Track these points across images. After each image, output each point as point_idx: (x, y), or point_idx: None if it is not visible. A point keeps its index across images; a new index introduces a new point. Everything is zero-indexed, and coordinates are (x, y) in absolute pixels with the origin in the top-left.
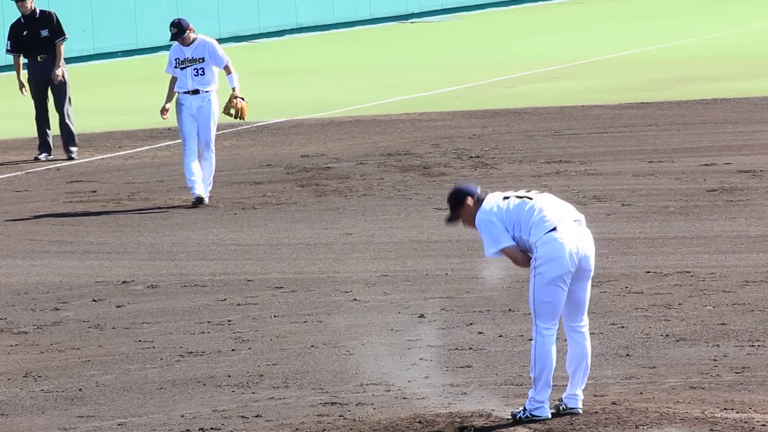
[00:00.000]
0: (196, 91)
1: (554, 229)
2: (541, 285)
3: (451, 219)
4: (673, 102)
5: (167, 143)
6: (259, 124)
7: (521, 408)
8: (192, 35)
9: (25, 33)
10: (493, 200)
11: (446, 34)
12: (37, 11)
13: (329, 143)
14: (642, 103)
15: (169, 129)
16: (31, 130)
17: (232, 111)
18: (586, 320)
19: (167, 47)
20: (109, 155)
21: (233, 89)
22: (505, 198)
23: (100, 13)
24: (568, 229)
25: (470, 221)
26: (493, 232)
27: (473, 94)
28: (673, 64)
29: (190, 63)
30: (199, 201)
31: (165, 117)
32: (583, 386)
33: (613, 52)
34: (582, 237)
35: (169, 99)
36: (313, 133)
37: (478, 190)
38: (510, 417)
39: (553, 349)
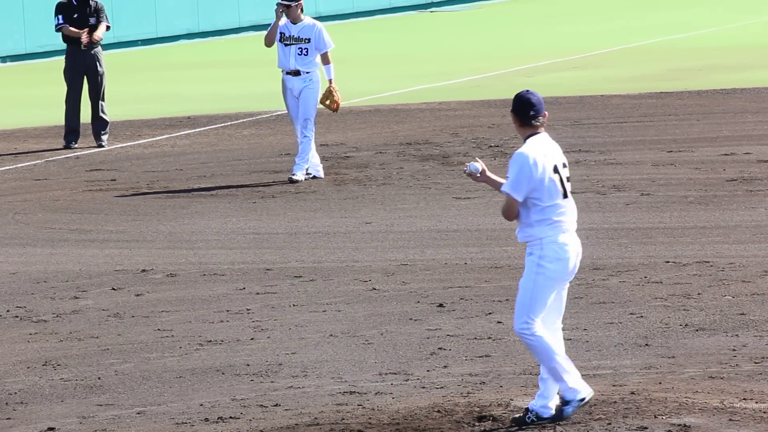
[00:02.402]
0: (297, 72)
1: (565, 232)
2: (542, 282)
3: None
4: (692, 92)
5: (187, 132)
6: (278, 113)
7: (560, 402)
8: (301, 14)
9: (75, 15)
10: (539, 150)
11: (466, 23)
12: None
13: (348, 132)
14: (661, 92)
15: (188, 117)
16: (51, 119)
17: (328, 102)
18: (560, 323)
19: (187, 36)
20: (129, 144)
21: (330, 80)
22: (550, 155)
23: (120, 1)
24: (573, 238)
25: (516, 129)
26: (521, 179)
27: (493, 83)
28: (693, 53)
29: (295, 41)
30: (301, 180)
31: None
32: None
33: (632, 42)
34: (578, 243)
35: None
36: (332, 122)
37: (535, 119)
38: (549, 418)
39: (548, 337)
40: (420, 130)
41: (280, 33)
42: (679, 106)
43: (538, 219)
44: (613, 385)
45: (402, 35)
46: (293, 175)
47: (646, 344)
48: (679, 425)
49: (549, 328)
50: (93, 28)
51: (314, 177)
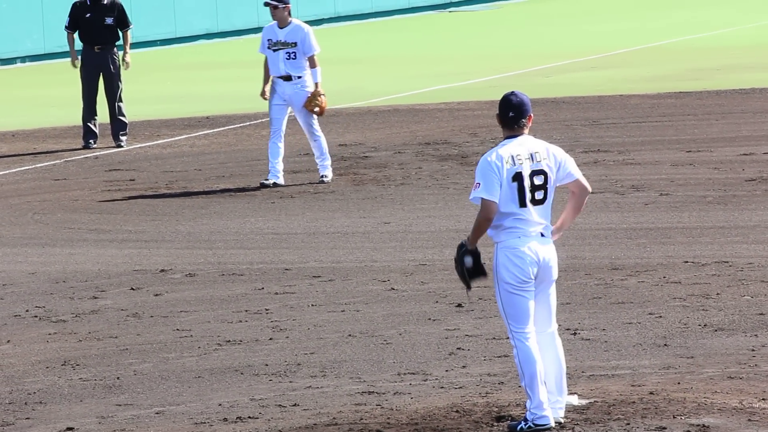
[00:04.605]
0: (288, 78)
1: (519, 238)
2: (504, 289)
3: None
4: (711, 91)
5: (205, 132)
6: None
7: (521, 420)
8: (288, 17)
9: (88, 15)
10: (502, 155)
11: (485, 23)
12: None
13: (367, 132)
14: (680, 92)
15: (207, 117)
16: (70, 119)
17: (316, 109)
18: (554, 325)
19: (206, 36)
20: (148, 144)
21: (316, 84)
22: (518, 161)
23: (139, 1)
24: (533, 243)
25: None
26: (491, 180)
27: (512, 83)
28: (712, 53)
29: (282, 46)
30: (269, 185)
31: (266, 99)
32: (566, 391)
33: (651, 42)
34: (543, 248)
35: (266, 81)
36: (350, 122)
37: (515, 121)
38: (508, 431)
39: (536, 352)
40: (439, 130)
41: (268, 40)
42: (698, 106)
43: (494, 223)
44: (632, 385)
45: (421, 35)
46: (324, 177)
47: (665, 344)
48: (698, 425)
49: (541, 334)
50: (107, 31)
51: (275, 184)
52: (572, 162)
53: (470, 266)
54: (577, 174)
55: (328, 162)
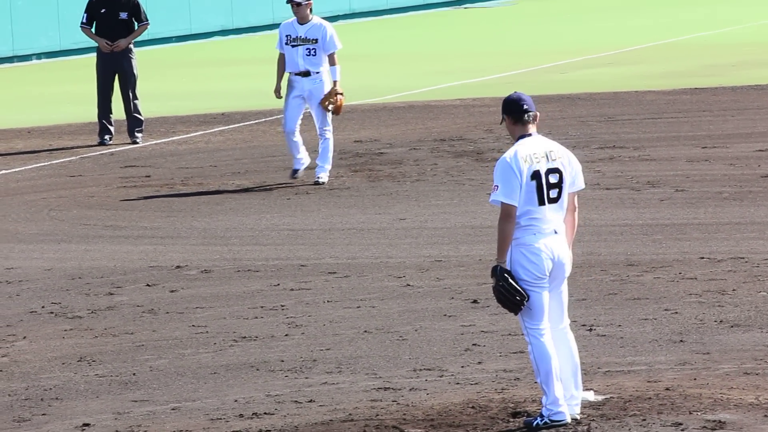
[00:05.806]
0: (307, 73)
1: (534, 235)
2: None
3: (502, 120)
4: (727, 87)
5: (221, 128)
6: None
7: (537, 416)
8: (310, 14)
9: (103, 11)
10: (520, 154)
11: (500, 20)
12: None
13: (382, 129)
14: (696, 88)
15: (222, 114)
16: (85, 116)
17: (330, 107)
18: (566, 321)
19: (220, 33)
20: (163, 140)
21: (335, 82)
22: (535, 159)
23: None
24: (548, 240)
25: (510, 131)
26: (512, 183)
27: (527, 79)
28: (728, 49)
29: (302, 42)
30: (294, 174)
31: (280, 97)
32: (581, 387)
33: (667, 38)
34: (557, 245)
35: (279, 78)
36: (366, 118)
37: (526, 114)
38: (524, 427)
39: (551, 348)
40: (454, 127)
41: (287, 36)
42: (713, 102)
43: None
44: (648, 381)
45: (436, 32)
46: (318, 177)
47: (681, 340)
48: (714, 421)
49: (554, 330)
50: (122, 26)
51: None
52: (581, 173)
53: (512, 285)
54: (579, 186)
55: (328, 166)
